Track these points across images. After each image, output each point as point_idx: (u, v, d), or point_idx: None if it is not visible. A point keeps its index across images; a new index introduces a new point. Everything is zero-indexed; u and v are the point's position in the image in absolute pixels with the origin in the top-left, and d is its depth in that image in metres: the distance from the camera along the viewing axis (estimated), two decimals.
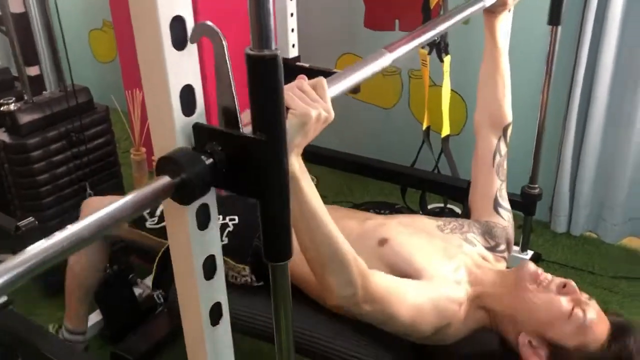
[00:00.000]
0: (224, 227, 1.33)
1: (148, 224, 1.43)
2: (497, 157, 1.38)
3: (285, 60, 1.76)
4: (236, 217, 1.33)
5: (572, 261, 2.23)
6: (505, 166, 1.40)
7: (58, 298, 1.99)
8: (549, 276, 1.11)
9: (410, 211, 2.32)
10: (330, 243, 0.96)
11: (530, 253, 1.94)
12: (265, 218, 0.70)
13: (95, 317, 1.80)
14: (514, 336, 1.10)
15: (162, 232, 1.40)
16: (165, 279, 1.46)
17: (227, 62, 0.65)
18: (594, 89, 2.07)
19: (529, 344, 1.07)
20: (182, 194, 0.66)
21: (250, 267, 1.32)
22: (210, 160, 0.67)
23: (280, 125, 0.65)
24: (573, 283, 1.10)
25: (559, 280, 1.10)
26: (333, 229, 0.96)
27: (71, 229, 0.59)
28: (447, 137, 1.94)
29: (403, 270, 1.14)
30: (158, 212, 1.43)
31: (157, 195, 0.65)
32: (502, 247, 1.32)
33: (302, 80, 0.83)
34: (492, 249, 1.30)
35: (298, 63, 1.85)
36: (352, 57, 2.61)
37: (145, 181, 2.03)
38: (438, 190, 1.99)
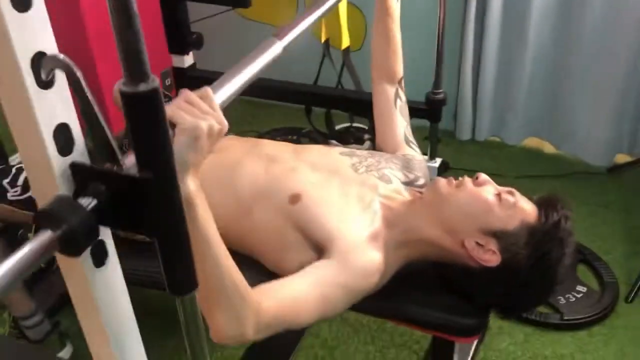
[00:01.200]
0: None
1: (10, 196, 1.26)
2: (398, 102, 1.41)
3: None
4: None
5: (478, 166, 2.26)
6: (407, 110, 1.42)
7: None
8: (460, 177, 1.12)
9: (319, 133, 2.27)
10: (223, 277, 0.86)
11: (438, 160, 1.93)
12: (164, 255, 0.64)
13: None
14: (458, 249, 1.07)
15: (27, 203, 1.25)
16: None
17: (89, 96, 0.59)
18: None
19: (477, 244, 1.05)
20: (68, 246, 0.60)
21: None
22: (94, 202, 0.61)
23: (168, 160, 0.58)
24: (483, 174, 1.11)
25: (468, 177, 1.11)
26: (227, 262, 0.87)
27: None
28: (347, 49, 1.86)
29: (314, 237, 1.08)
30: (20, 181, 1.27)
31: (42, 252, 0.58)
32: (421, 181, 1.28)
33: (188, 92, 0.77)
34: (410, 183, 1.26)
35: None
36: None
37: None
38: (343, 106, 1.92)
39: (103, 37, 2.05)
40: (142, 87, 0.53)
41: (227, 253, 0.87)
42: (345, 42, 1.83)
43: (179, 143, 0.74)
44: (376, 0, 1.39)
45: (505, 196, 1.06)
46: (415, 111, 1.61)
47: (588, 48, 2.07)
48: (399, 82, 1.43)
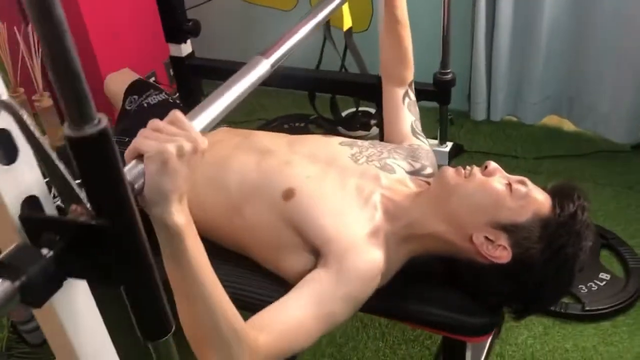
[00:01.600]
0: None
1: None
2: (407, 100, 1.37)
3: None
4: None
5: (494, 148, 2.17)
6: (416, 108, 1.38)
7: None
8: (468, 167, 1.04)
9: (325, 120, 2.19)
10: (215, 315, 0.79)
11: (449, 144, 1.84)
12: (132, 303, 0.61)
13: None
14: (465, 244, 1.00)
15: None
16: None
17: (39, 138, 0.54)
18: None
19: (486, 239, 0.98)
20: (30, 295, 0.56)
21: None
22: (51, 253, 0.57)
23: (125, 206, 0.55)
24: (492, 162, 1.03)
25: (476, 166, 1.04)
26: (220, 297, 0.79)
27: None
28: (350, 30, 1.76)
29: (310, 237, 1.01)
30: None
31: (2, 303, 0.55)
32: (428, 170, 1.21)
33: (155, 120, 0.73)
34: (416, 172, 1.19)
35: None
36: None
37: None
38: (348, 90, 1.83)
39: (100, 23, 1.99)
40: (88, 129, 0.49)
41: (221, 288, 0.79)
42: (347, 22, 1.74)
43: (149, 172, 0.69)
44: (385, 8, 1.33)
45: (516, 186, 0.99)
46: (423, 93, 1.52)
47: (608, 17, 1.94)
48: (409, 85, 1.38)
